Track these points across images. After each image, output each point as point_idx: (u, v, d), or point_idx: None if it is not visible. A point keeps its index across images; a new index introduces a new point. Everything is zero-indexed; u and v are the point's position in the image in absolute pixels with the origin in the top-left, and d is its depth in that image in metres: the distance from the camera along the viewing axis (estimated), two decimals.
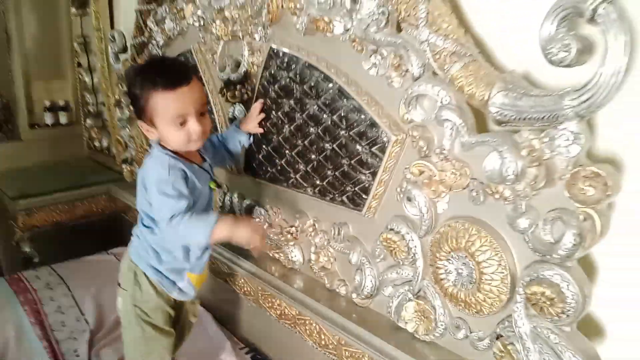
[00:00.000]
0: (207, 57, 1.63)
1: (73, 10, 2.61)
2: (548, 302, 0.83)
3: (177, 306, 1.35)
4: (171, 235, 1.16)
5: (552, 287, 0.82)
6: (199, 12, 1.59)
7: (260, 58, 1.40)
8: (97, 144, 2.71)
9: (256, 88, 1.43)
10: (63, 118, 2.81)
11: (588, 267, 0.88)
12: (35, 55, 2.70)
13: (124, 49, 2.15)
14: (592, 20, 0.72)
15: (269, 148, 1.42)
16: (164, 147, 1.18)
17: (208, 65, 1.64)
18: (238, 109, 1.51)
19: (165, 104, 1.11)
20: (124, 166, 2.37)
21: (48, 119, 2.78)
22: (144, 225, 1.25)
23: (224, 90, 1.51)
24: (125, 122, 2.27)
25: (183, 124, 1.12)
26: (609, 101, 0.74)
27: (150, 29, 1.89)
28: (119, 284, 1.33)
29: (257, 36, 1.39)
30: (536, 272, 0.84)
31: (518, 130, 0.85)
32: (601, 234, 0.79)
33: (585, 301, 0.81)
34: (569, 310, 0.81)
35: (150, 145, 1.25)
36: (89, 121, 2.75)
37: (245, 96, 1.48)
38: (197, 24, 1.62)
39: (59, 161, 2.72)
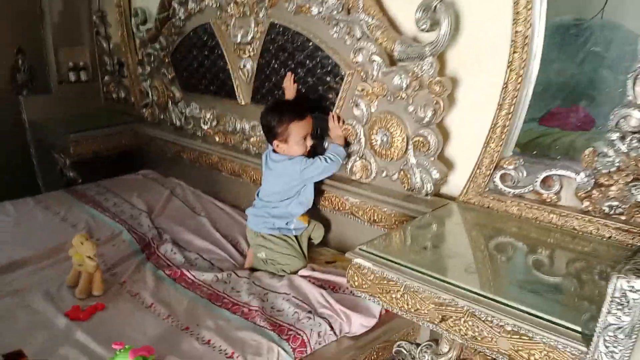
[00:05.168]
0: (222, 27, 2.45)
1: None
2: (422, 145, 1.76)
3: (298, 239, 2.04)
4: (332, 165, 1.94)
5: (424, 137, 1.74)
6: None
7: (263, 29, 2.24)
8: (114, 95, 3.47)
9: (260, 47, 2.28)
10: (83, 76, 3.54)
11: (445, 132, 1.81)
12: (61, 27, 3.41)
13: (145, 22, 2.94)
14: (434, 10, 1.62)
15: (271, 84, 2.28)
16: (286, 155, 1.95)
17: (222, 33, 2.46)
18: (248, 64, 2.36)
19: (298, 128, 1.91)
20: (144, 110, 3.17)
21: (72, 76, 3.50)
22: (269, 203, 2.00)
23: (237, 50, 2.37)
24: (146, 76, 3.06)
25: (304, 140, 1.93)
26: (445, 48, 1.65)
27: (174, 7, 2.68)
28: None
29: (261, 14, 2.23)
30: (417, 131, 1.77)
31: (407, 63, 1.75)
32: (444, 110, 1.71)
33: (438, 144, 1.74)
34: (430, 148, 1.74)
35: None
36: (106, 78, 3.50)
37: (252, 53, 2.33)
38: (214, 5, 2.44)
39: (83, 110, 3.45)
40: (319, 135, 2.11)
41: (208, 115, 2.71)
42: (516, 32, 1.51)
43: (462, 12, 1.70)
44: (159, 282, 1.90)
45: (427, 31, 1.66)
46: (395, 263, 1.37)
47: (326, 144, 2.12)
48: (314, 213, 2.17)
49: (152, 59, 2.97)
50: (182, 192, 2.77)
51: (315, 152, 2.06)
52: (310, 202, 2.04)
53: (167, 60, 2.89)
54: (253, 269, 2.01)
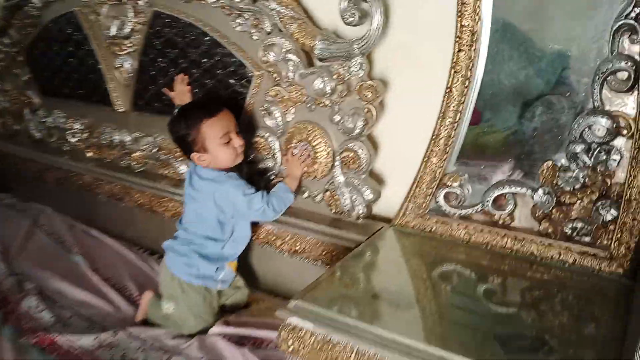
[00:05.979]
0: (91, 17, 1.98)
1: None
2: (351, 161, 1.47)
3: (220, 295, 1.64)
4: (271, 213, 1.52)
5: (353, 151, 1.46)
6: None
7: (145, 19, 1.82)
8: None
9: (142, 42, 1.86)
10: None
11: (373, 142, 1.54)
12: None
13: None
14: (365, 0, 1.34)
15: (157, 87, 1.86)
16: (216, 170, 1.53)
17: (92, 24, 1.99)
18: (126, 63, 1.91)
19: (213, 128, 1.48)
20: None
21: None
22: (194, 236, 1.57)
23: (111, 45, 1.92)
24: None
25: (228, 142, 1.51)
26: (376, 45, 1.38)
27: None
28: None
29: (141, 2, 1.80)
30: (345, 145, 1.48)
31: (331, 63, 1.45)
32: (376, 119, 1.44)
33: (370, 159, 1.47)
34: (362, 164, 1.46)
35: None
36: None
37: (131, 49, 1.89)
38: None
39: None
40: None
41: (76, 126, 2.21)
42: (462, 26, 1.28)
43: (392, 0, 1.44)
44: (21, 354, 1.43)
45: (355, 25, 1.38)
46: (342, 322, 1.07)
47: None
48: None
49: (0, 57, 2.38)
50: (49, 222, 2.22)
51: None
52: (248, 239, 1.65)
53: (20, 58, 2.32)
54: (147, 322, 1.60)
